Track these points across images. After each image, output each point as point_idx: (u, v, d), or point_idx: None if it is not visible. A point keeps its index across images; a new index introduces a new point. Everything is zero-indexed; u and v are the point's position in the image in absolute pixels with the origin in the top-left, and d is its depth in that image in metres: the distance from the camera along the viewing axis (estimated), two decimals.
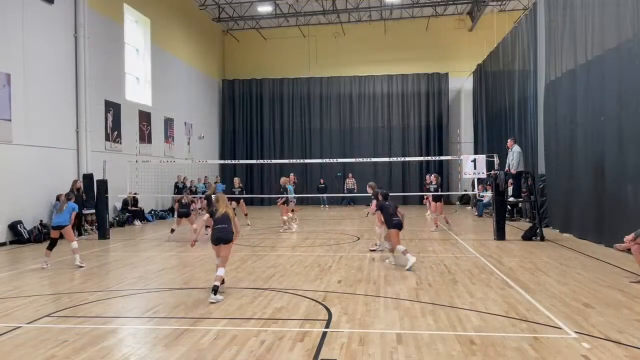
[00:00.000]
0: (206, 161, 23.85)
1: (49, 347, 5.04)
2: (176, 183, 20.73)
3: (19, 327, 5.77)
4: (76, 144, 16.14)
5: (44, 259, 9.61)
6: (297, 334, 5.32)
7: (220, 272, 7.05)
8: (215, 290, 6.77)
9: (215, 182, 23.26)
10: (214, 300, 6.69)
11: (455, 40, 27.69)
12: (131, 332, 5.59)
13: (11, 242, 13.14)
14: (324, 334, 5.33)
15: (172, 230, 13.40)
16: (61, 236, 9.83)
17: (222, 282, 7.13)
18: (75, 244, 9.78)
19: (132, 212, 18.05)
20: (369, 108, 28.50)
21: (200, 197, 21.44)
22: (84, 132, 16.23)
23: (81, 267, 9.52)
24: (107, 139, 17.73)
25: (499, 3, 25.01)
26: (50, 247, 9.70)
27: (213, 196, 8.16)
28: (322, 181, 26.78)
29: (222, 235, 7.23)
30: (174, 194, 20.39)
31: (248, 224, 16.24)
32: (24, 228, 13.40)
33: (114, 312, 6.50)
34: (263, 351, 4.84)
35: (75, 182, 14.51)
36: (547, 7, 15.04)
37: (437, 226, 14.73)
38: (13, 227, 13.23)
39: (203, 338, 5.25)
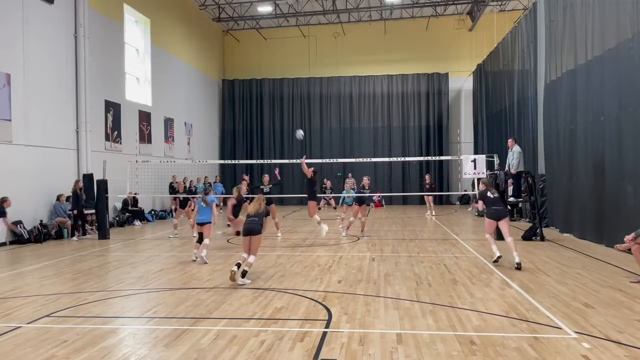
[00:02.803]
0: (206, 161, 23.85)
1: (49, 347, 5.04)
2: (171, 183, 20.72)
3: (19, 327, 5.77)
4: (76, 144, 16.14)
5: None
6: (297, 334, 5.32)
7: (251, 259, 7.98)
8: (244, 274, 7.74)
9: (214, 182, 23.30)
10: (241, 283, 7.64)
11: (455, 40, 27.71)
12: (131, 332, 5.58)
13: (11, 242, 13.14)
14: (324, 334, 5.33)
15: (238, 233, 11.54)
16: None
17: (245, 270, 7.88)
18: (207, 241, 10.04)
19: (132, 212, 18.05)
20: (369, 108, 28.51)
21: (194, 197, 21.44)
22: (84, 132, 16.24)
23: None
24: (107, 139, 17.74)
25: (499, 3, 25.02)
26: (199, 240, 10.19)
27: (256, 196, 8.82)
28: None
29: (251, 227, 8.10)
30: (170, 194, 20.41)
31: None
32: (24, 228, 13.40)
33: (114, 312, 6.50)
34: (263, 351, 4.84)
35: (77, 182, 14.50)
36: (547, 7, 15.04)
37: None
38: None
39: (203, 338, 5.25)
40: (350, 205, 14.96)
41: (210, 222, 10.08)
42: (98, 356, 4.79)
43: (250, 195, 16.49)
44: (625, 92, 10.17)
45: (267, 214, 8.54)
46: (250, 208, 8.40)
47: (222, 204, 16.82)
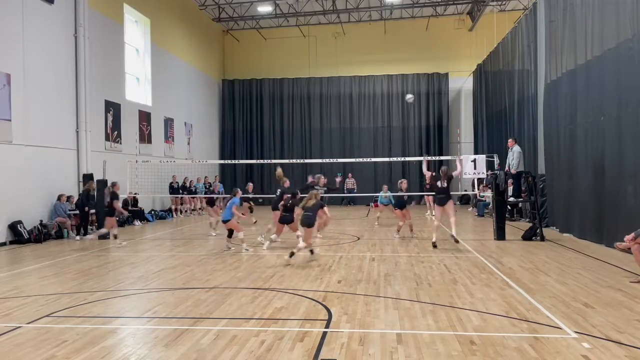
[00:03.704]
0: (206, 161, 23.85)
1: (49, 347, 5.03)
2: (171, 183, 20.75)
3: (19, 327, 5.77)
4: (76, 144, 16.14)
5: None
6: (297, 334, 5.32)
7: (301, 244, 9.70)
8: (291, 254, 9.49)
9: (214, 182, 23.29)
10: (287, 260, 9.38)
11: (455, 40, 27.71)
12: (131, 332, 5.58)
13: (11, 242, 13.14)
14: (324, 334, 5.33)
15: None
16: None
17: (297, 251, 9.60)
18: (241, 235, 11.31)
19: (132, 212, 18.05)
20: (369, 108, 28.51)
21: (194, 197, 21.56)
22: (84, 132, 16.24)
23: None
24: (107, 139, 17.73)
25: (499, 3, 25.02)
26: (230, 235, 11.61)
27: (311, 192, 10.23)
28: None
29: (308, 221, 9.67)
30: (170, 194, 20.45)
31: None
32: (24, 228, 13.39)
33: (114, 312, 6.50)
34: (263, 351, 4.83)
35: (90, 183, 14.53)
36: (547, 7, 15.04)
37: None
38: (13, 227, 13.22)
39: (203, 338, 5.25)
40: (386, 205, 15.46)
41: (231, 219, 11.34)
42: (98, 356, 4.79)
43: (250, 196, 16.79)
44: (625, 92, 10.17)
45: (322, 207, 10.22)
46: (306, 203, 9.92)
47: (221, 203, 16.94)
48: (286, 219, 10.87)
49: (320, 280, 8.04)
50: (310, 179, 15.53)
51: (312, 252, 9.93)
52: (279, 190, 12.41)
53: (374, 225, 16.28)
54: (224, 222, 11.45)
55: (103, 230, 13.01)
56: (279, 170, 12.86)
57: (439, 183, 11.43)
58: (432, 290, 7.23)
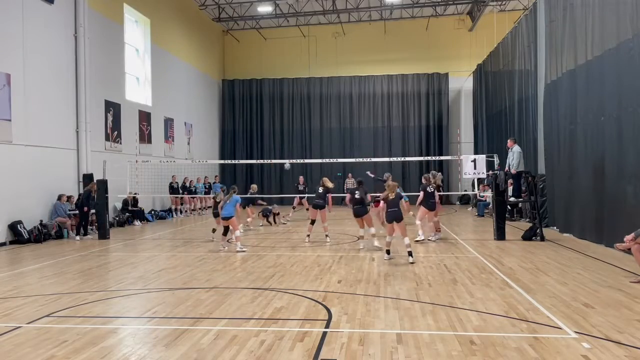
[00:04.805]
0: (206, 161, 23.85)
1: (49, 347, 5.04)
2: (171, 183, 20.75)
3: (19, 327, 5.77)
4: (76, 144, 16.14)
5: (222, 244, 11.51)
6: (297, 334, 5.32)
7: (406, 241, 9.61)
8: (409, 253, 9.52)
9: (213, 183, 23.32)
10: (411, 261, 9.38)
11: (455, 40, 27.70)
12: (131, 332, 5.58)
13: (11, 242, 13.14)
14: (324, 334, 5.33)
15: (327, 236, 12.74)
16: None
17: (409, 246, 9.63)
18: (237, 233, 11.46)
19: (132, 212, 18.05)
20: (369, 108, 28.51)
21: (194, 198, 21.57)
22: (84, 132, 16.24)
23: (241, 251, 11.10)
24: (107, 139, 17.73)
25: (499, 3, 25.02)
26: (225, 233, 11.58)
27: (387, 184, 10.42)
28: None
29: (395, 216, 9.68)
30: (170, 194, 20.46)
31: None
32: (24, 228, 13.39)
33: (114, 312, 6.50)
34: (263, 351, 4.84)
35: (92, 184, 14.52)
36: (547, 7, 15.04)
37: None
38: (13, 227, 13.22)
39: (203, 338, 5.25)
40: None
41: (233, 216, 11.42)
42: (98, 356, 4.79)
43: (255, 196, 16.86)
44: (625, 92, 10.17)
45: (400, 198, 10.10)
46: (388, 198, 9.88)
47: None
48: (360, 212, 11.43)
49: (320, 280, 8.04)
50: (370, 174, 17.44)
51: (388, 252, 9.98)
52: (320, 188, 12.67)
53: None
54: (224, 218, 11.40)
55: None
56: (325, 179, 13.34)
57: (429, 189, 12.23)
58: (432, 290, 7.23)
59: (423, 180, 12.64)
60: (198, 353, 4.83)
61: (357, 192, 11.55)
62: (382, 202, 11.13)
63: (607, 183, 11.00)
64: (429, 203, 12.20)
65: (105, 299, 7.13)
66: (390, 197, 9.93)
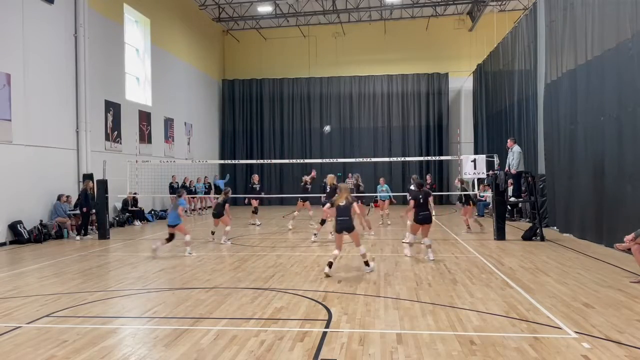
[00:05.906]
0: (206, 161, 23.85)
1: (49, 347, 5.04)
2: (171, 183, 20.74)
3: (19, 327, 5.77)
4: (76, 144, 16.14)
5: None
6: (297, 334, 5.32)
7: (361, 250, 8.62)
8: (366, 263, 8.64)
9: (214, 180, 23.35)
10: (368, 270, 8.54)
11: (455, 40, 27.70)
12: (131, 332, 5.58)
13: (11, 242, 13.14)
14: (324, 334, 5.33)
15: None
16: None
17: (365, 256, 8.72)
18: (187, 238, 10.97)
19: (132, 212, 18.05)
20: (369, 108, 28.50)
21: (194, 197, 21.54)
22: (84, 132, 16.23)
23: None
24: (107, 139, 17.73)
25: (499, 3, 25.02)
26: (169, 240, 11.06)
27: (338, 186, 9.29)
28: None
29: (345, 225, 8.54)
30: (170, 194, 20.43)
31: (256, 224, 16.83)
32: (24, 228, 13.39)
33: (114, 312, 6.50)
34: (263, 351, 4.84)
35: (87, 182, 14.59)
36: (547, 7, 15.04)
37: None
38: (13, 227, 13.22)
39: (203, 338, 5.25)
40: (385, 200, 16.32)
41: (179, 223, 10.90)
42: (98, 356, 4.79)
43: (255, 195, 17.00)
44: (625, 92, 10.17)
45: (351, 204, 8.83)
46: (337, 205, 8.73)
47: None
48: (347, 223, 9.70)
49: (320, 280, 8.04)
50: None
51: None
52: (328, 187, 12.91)
53: (386, 224, 16.57)
54: (170, 226, 10.92)
55: None
56: (331, 176, 13.53)
57: (421, 197, 10.00)
58: (432, 290, 7.23)
59: (412, 185, 10.46)
60: (198, 353, 4.83)
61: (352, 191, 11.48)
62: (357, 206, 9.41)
63: (607, 183, 11.00)
64: (420, 217, 9.83)
65: (105, 299, 7.12)
66: (340, 204, 8.51)
